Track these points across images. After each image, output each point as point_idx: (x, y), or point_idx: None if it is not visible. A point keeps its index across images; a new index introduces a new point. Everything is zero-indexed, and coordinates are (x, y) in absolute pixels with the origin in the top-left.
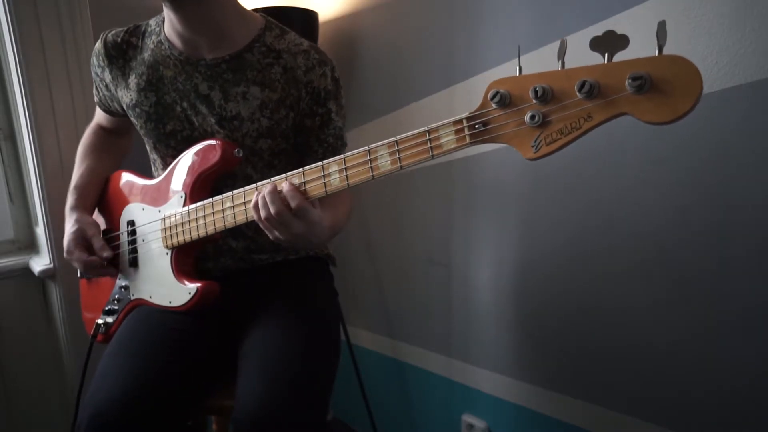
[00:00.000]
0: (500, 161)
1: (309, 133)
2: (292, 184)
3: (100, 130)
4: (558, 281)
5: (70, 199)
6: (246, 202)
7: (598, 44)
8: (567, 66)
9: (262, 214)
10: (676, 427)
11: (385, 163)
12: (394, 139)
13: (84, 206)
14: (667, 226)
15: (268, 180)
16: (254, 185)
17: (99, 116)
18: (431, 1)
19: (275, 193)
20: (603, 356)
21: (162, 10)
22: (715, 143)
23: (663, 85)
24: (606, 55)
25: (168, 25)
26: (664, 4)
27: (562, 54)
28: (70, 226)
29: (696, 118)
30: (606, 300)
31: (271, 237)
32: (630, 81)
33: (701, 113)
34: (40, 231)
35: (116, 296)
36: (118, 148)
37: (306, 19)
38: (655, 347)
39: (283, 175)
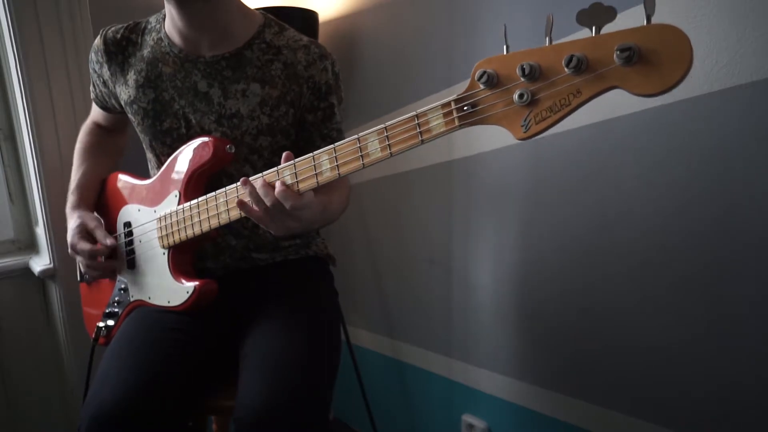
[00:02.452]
0: (500, 161)
1: (311, 129)
2: (284, 185)
3: (97, 128)
4: (558, 281)
5: (71, 199)
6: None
7: (585, 18)
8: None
9: (257, 209)
10: (677, 427)
11: (375, 150)
12: (383, 125)
13: (86, 205)
14: (667, 226)
15: (260, 174)
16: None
17: (95, 113)
18: (431, 1)
19: (268, 187)
20: (603, 356)
21: (162, 8)
22: (714, 143)
23: (652, 55)
24: (593, 28)
25: (169, 22)
26: (664, 4)
27: (548, 30)
28: (72, 222)
29: (696, 118)
30: (606, 300)
31: (272, 231)
32: (618, 53)
33: (701, 113)
34: (40, 231)
35: (116, 298)
36: (115, 147)
37: (306, 19)
38: (655, 347)
39: (274, 169)
